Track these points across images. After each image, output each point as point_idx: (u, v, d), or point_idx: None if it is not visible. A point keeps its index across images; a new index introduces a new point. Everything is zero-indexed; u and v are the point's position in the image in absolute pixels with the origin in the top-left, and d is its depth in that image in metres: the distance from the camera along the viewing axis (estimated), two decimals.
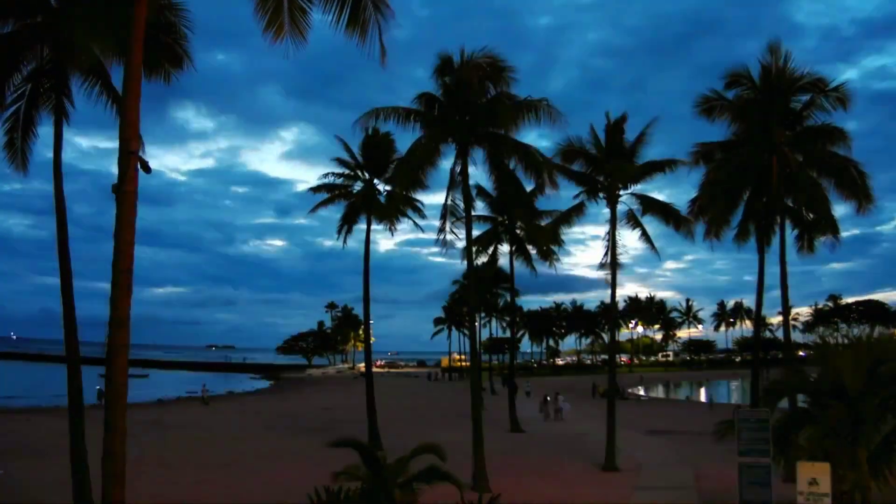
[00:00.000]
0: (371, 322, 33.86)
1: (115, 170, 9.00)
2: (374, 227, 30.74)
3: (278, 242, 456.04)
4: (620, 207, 25.04)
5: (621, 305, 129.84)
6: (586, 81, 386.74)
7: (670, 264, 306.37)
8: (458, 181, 22.37)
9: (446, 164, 22.22)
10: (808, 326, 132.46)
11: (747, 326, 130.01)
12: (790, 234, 24.42)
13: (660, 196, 26.29)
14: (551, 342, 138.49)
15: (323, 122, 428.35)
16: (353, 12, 10.06)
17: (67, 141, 15.40)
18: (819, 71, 22.76)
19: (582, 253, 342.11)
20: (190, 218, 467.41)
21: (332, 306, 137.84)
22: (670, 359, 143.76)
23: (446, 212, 23.33)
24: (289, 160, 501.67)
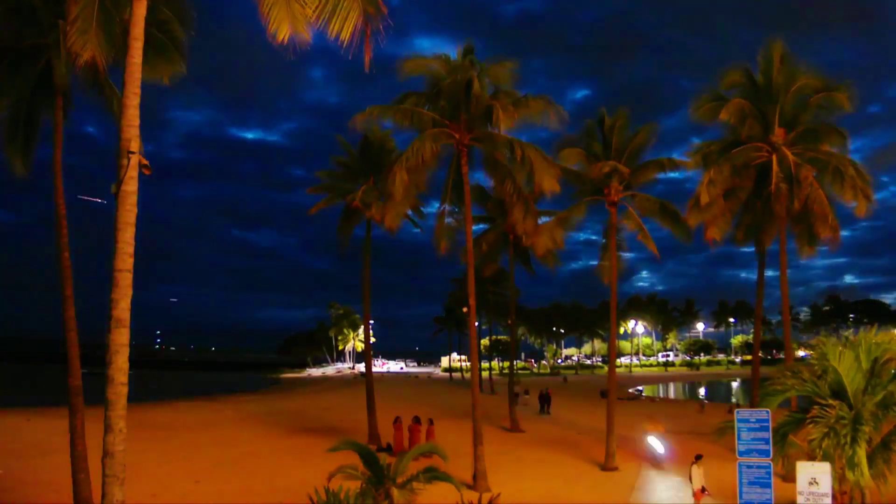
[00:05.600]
0: (371, 322, 33.82)
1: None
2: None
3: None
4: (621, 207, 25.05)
5: (622, 305, 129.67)
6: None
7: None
8: (456, 181, 22.34)
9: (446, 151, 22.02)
10: (807, 326, 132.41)
11: (748, 327, 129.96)
12: (790, 234, 24.43)
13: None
14: (552, 342, 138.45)
15: None
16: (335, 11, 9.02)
17: None
18: None
19: None
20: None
21: (332, 306, 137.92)
22: (670, 359, 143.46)
23: (444, 212, 23.34)
24: None
